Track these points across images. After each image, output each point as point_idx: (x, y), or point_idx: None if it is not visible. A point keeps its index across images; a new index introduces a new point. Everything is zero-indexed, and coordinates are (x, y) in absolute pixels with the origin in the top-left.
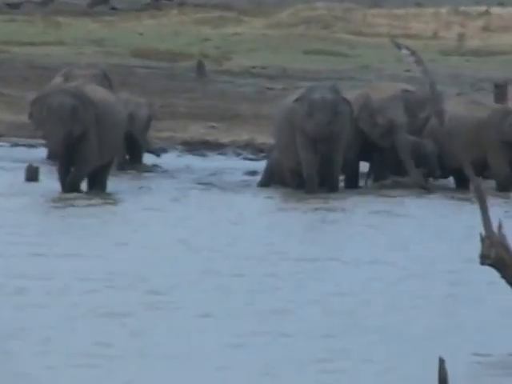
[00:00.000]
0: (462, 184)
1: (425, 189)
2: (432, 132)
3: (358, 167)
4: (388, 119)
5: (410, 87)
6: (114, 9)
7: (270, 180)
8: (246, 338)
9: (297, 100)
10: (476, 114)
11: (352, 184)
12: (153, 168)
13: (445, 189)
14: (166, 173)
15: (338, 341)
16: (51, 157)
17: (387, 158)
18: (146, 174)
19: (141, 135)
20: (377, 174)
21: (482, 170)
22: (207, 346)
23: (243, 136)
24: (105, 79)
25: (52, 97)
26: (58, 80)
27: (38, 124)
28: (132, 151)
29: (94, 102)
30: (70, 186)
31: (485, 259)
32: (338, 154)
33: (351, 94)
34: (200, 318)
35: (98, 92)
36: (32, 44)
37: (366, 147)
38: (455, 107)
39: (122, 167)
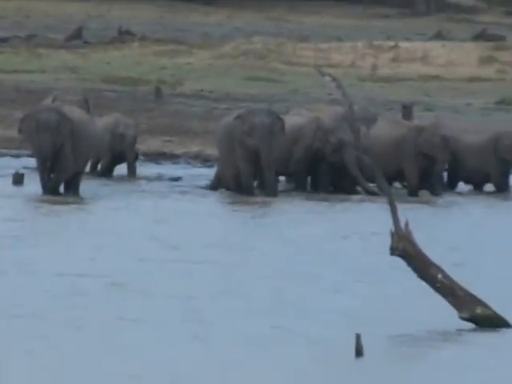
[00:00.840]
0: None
1: (375, 194)
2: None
3: (306, 178)
4: (338, 138)
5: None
6: (86, 42)
7: (218, 184)
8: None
9: (237, 117)
10: (395, 132)
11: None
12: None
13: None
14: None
15: (264, 319)
16: (39, 165)
17: (333, 170)
18: (118, 180)
19: (129, 150)
20: (320, 184)
21: (399, 178)
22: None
23: (193, 148)
24: (85, 104)
25: (39, 114)
26: (47, 101)
27: (27, 136)
28: (119, 162)
29: (71, 119)
30: (50, 189)
31: (394, 251)
32: (273, 163)
33: (303, 118)
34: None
35: (74, 112)
36: (18, 71)
37: (315, 161)
38: (378, 126)
39: (104, 174)
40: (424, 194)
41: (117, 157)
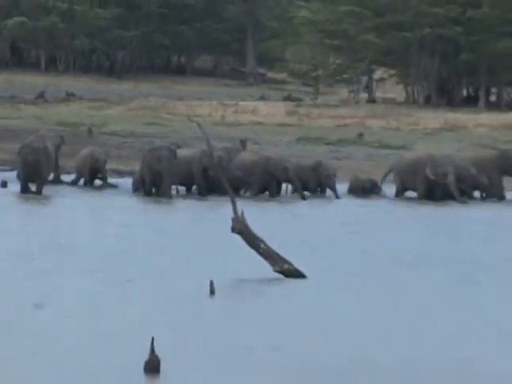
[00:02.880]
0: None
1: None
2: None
3: (204, 187)
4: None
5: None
6: (46, 101)
7: (135, 189)
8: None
9: (149, 150)
10: (252, 158)
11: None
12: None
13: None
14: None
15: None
16: (24, 175)
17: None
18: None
19: (103, 170)
20: (200, 190)
21: (265, 190)
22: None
23: (112, 165)
24: (59, 139)
25: (32, 142)
26: (32, 137)
27: (22, 156)
28: (94, 178)
29: (47, 147)
30: (38, 192)
31: (234, 230)
32: (167, 177)
33: (193, 151)
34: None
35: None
36: (5, 118)
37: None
38: (242, 154)
39: (87, 185)
40: (264, 196)
41: (93, 174)
